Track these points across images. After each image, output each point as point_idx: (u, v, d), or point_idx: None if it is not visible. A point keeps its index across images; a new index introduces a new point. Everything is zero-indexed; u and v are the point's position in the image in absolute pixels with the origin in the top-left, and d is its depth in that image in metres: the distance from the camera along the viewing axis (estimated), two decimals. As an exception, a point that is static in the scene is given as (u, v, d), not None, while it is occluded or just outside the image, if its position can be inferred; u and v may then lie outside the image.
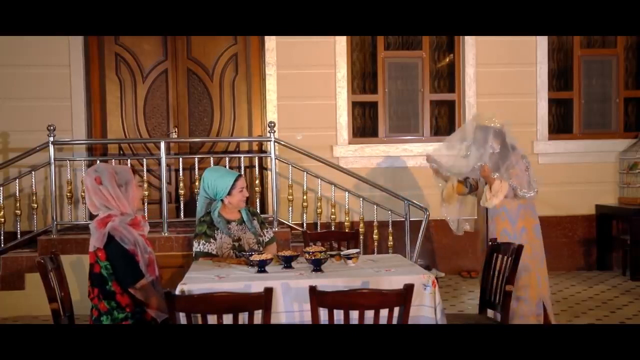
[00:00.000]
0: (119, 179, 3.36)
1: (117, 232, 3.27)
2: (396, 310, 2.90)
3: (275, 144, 6.16)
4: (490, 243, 3.93)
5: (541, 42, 7.21)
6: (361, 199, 6.34)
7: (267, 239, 4.25)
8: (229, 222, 4.13)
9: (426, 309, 3.28)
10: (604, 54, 7.54)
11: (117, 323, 3.30)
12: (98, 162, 6.13)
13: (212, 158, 6.32)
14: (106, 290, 3.30)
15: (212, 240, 4.05)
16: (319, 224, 6.38)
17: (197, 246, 4.05)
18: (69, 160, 6.20)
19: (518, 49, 7.15)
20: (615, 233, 7.25)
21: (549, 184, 7.21)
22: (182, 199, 6.11)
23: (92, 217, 6.36)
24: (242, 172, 5.91)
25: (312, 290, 2.86)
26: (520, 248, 3.60)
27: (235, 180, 4.12)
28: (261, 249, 4.09)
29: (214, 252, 4.03)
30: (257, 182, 6.31)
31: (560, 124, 7.53)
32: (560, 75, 7.52)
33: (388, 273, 3.43)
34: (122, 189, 3.35)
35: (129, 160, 6.34)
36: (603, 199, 7.28)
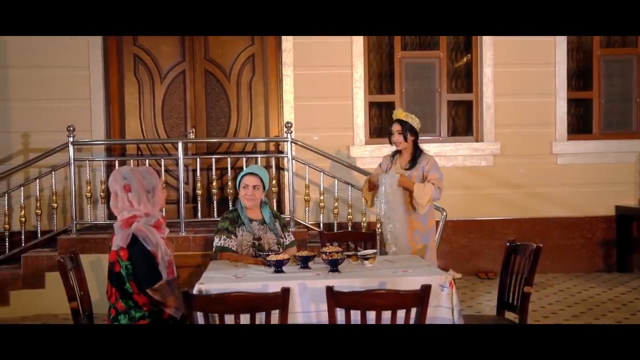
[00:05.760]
0: (147, 184, 3.37)
1: (142, 233, 3.28)
2: (413, 311, 2.89)
3: (292, 144, 6.18)
4: (508, 244, 3.90)
5: (560, 42, 7.15)
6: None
7: (288, 242, 4.25)
8: (250, 220, 4.15)
9: (443, 310, 3.27)
10: (624, 54, 7.46)
11: (135, 322, 3.33)
12: (126, 165, 6.17)
13: (229, 158, 6.35)
14: (124, 290, 3.32)
15: (232, 236, 4.07)
16: (335, 224, 6.38)
17: (218, 241, 4.08)
18: (88, 161, 6.26)
19: (536, 49, 7.10)
20: (636, 234, 7.16)
21: (568, 184, 7.18)
22: (199, 199, 6.14)
23: (111, 217, 6.47)
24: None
25: (329, 290, 2.86)
26: (539, 249, 3.57)
27: (243, 176, 4.16)
28: (281, 250, 4.09)
29: (234, 249, 4.05)
30: (274, 182, 6.32)
31: (580, 124, 7.46)
32: (579, 75, 7.45)
33: (405, 274, 3.43)
34: (150, 194, 3.38)
35: (147, 160, 6.38)
36: (623, 200, 7.20)
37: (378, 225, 4.98)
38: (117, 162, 6.30)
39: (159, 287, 3.31)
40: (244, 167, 6.14)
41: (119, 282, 3.33)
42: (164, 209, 6.01)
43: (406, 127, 4.80)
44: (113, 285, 3.36)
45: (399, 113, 4.92)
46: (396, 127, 4.83)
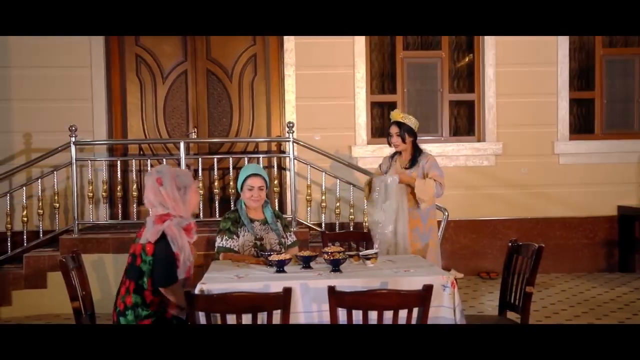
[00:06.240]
0: (179, 182, 3.42)
1: (171, 233, 3.32)
2: (415, 311, 2.89)
3: (294, 144, 6.18)
4: (510, 244, 3.90)
5: (562, 42, 7.14)
6: (380, 199, 6.32)
7: (290, 242, 4.25)
8: (252, 220, 4.14)
9: (445, 310, 3.27)
10: (626, 54, 7.45)
11: (140, 321, 3.34)
12: (128, 164, 6.35)
13: (231, 158, 6.35)
14: (138, 284, 3.34)
15: (234, 237, 4.06)
16: (337, 224, 6.38)
17: (220, 241, 4.07)
18: (90, 161, 6.28)
19: (538, 49, 7.09)
20: (638, 234, 7.14)
21: (570, 184, 7.17)
22: (201, 199, 6.14)
23: (112, 217, 6.49)
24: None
25: (331, 290, 2.86)
26: (541, 249, 3.57)
27: (247, 178, 4.12)
28: (283, 250, 4.09)
29: (236, 249, 4.04)
30: (275, 182, 6.33)
31: (582, 124, 7.45)
32: (581, 75, 7.45)
33: (407, 274, 3.43)
34: (181, 192, 3.42)
35: (149, 160, 6.39)
36: (625, 200, 7.20)
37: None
38: (119, 162, 6.31)
39: (174, 287, 3.34)
40: (246, 167, 6.14)
41: (135, 276, 3.35)
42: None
43: (404, 129, 4.79)
44: (130, 278, 3.38)
45: (395, 115, 4.91)
46: (394, 130, 4.83)
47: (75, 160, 5.98)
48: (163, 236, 3.31)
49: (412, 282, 3.21)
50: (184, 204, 3.43)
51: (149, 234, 3.32)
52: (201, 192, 6.13)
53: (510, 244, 3.90)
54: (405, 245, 4.58)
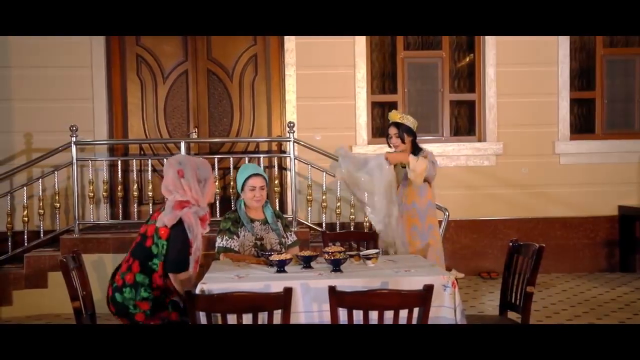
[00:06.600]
0: (200, 174, 3.48)
1: (188, 220, 3.37)
2: (416, 311, 2.89)
3: (295, 144, 6.18)
4: (511, 243, 3.90)
5: (563, 42, 7.14)
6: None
7: (290, 242, 4.25)
8: (252, 220, 4.14)
9: (446, 310, 3.27)
10: (627, 54, 7.45)
11: (137, 301, 3.38)
12: (128, 161, 6.32)
13: (231, 158, 6.35)
14: (147, 266, 3.35)
15: (235, 237, 4.06)
16: (337, 224, 6.38)
17: (220, 242, 4.07)
18: (91, 161, 6.28)
19: (539, 49, 7.09)
20: (639, 234, 7.15)
21: (571, 184, 7.17)
22: (217, 187, 6.11)
23: (113, 217, 6.49)
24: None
25: (332, 290, 2.86)
26: (541, 249, 3.57)
27: (248, 178, 4.12)
28: (283, 250, 4.08)
29: (236, 249, 4.05)
30: (276, 182, 6.33)
31: (582, 124, 7.45)
32: (582, 75, 7.44)
33: (408, 273, 3.43)
34: (201, 184, 3.48)
35: (149, 160, 6.38)
36: (626, 200, 7.19)
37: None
38: (119, 162, 6.31)
39: (183, 278, 3.35)
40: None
41: (142, 256, 3.36)
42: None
43: (402, 129, 4.83)
44: (135, 257, 3.40)
45: (393, 115, 4.95)
46: (393, 131, 4.87)
47: (76, 160, 5.98)
48: (179, 222, 3.35)
49: (413, 282, 3.21)
50: (203, 195, 3.49)
51: (166, 219, 3.36)
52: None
53: (510, 244, 3.90)
54: (399, 224, 4.60)
